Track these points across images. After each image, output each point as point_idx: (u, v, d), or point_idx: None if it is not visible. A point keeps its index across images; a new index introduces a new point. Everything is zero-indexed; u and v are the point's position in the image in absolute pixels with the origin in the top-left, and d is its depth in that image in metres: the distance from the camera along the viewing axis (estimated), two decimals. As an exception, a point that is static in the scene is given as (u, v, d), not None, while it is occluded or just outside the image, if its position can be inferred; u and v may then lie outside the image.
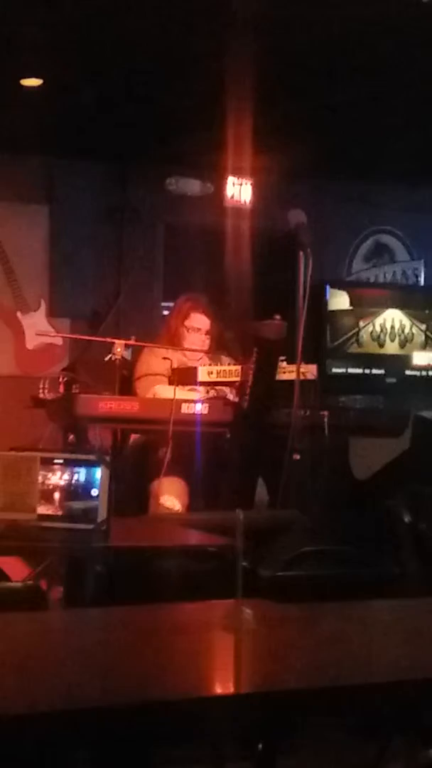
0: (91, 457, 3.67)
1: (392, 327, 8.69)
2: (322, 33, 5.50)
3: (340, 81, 6.20)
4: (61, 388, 5.27)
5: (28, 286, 8.02)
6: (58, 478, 3.56)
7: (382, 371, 8.55)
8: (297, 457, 4.83)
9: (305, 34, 5.50)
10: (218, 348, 5.82)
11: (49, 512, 3.54)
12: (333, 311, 8.48)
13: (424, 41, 5.54)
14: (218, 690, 2.01)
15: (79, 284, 8.04)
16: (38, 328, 7.85)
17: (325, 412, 5.45)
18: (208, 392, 5.35)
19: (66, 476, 3.56)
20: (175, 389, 5.21)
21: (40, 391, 5.41)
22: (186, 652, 2.23)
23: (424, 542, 4.20)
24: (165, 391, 5.37)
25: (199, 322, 5.79)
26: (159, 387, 5.42)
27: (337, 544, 3.77)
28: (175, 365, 5.48)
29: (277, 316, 5.10)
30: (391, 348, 8.68)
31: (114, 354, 5.26)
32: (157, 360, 5.59)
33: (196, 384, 5.26)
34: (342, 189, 8.57)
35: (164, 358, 5.54)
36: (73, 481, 3.56)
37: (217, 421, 5.18)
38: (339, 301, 8.51)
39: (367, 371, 8.52)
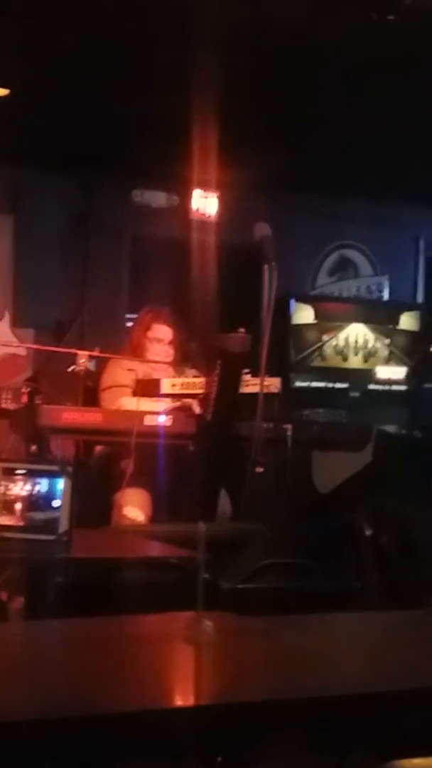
0: (54, 467, 3.66)
1: (356, 341, 8.75)
2: (289, 48, 5.53)
3: (306, 95, 6.24)
4: (24, 399, 5.25)
5: (-8, 296, 8.00)
6: (19, 488, 3.54)
7: (345, 385, 8.61)
8: (260, 469, 4.84)
9: (271, 49, 5.53)
10: (183, 359, 5.83)
11: (11, 523, 3.53)
12: (297, 325, 8.53)
13: (389, 58, 5.59)
14: (178, 702, 2.01)
15: (44, 295, 8.03)
16: (1, 338, 7.82)
17: (289, 425, 5.46)
18: (174, 404, 5.36)
19: (28, 487, 3.55)
20: (138, 401, 5.21)
21: (3, 401, 5.39)
22: (146, 663, 2.22)
23: (386, 556, 4.22)
24: (130, 402, 5.37)
25: (162, 332, 5.80)
26: (124, 399, 5.42)
27: (299, 557, 3.78)
28: (140, 376, 5.48)
29: (241, 329, 5.10)
30: (355, 362, 8.74)
31: (78, 365, 5.25)
32: (122, 371, 5.59)
33: (159, 396, 5.26)
34: (307, 203, 8.61)
35: (129, 370, 5.55)
36: (35, 492, 3.54)
37: (180, 433, 5.18)
38: (303, 314, 8.56)
39: (330, 385, 8.58)
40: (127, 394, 5.46)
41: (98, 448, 5.51)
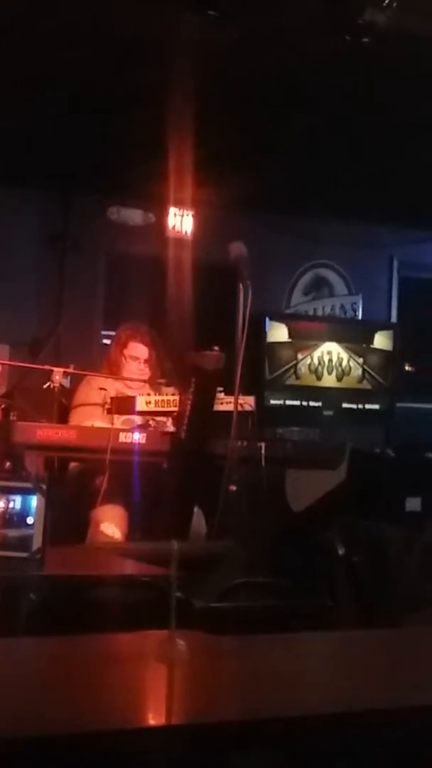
0: (27, 484, 3.65)
1: (330, 360, 8.77)
2: (264, 70, 5.56)
3: (282, 116, 6.27)
4: (-1, 415, 5.25)
5: (-33, 312, 7.97)
6: (-7, 505, 3.53)
7: (319, 404, 8.63)
8: (233, 488, 4.84)
9: (247, 70, 5.56)
10: (160, 376, 5.85)
11: (-16, 540, 3.51)
12: (272, 343, 8.55)
13: (360, 79, 5.62)
14: (150, 721, 2.00)
15: (20, 311, 8.01)
16: (-24, 354, 7.80)
17: (262, 444, 5.47)
18: (148, 422, 5.36)
19: (1, 504, 3.54)
20: (113, 418, 5.22)
21: (-23, 417, 5.37)
22: (118, 682, 2.22)
23: (358, 575, 4.23)
24: (96, 420, 5.41)
25: (138, 351, 5.82)
26: (91, 416, 5.45)
27: (272, 576, 3.79)
28: (112, 395, 5.49)
29: (216, 347, 5.12)
30: (329, 381, 8.76)
31: (53, 382, 5.25)
32: (93, 390, 5.61)
33: (134, 413, 5.26)
34: (282, 222, 8.64)
35: (101, 389, 5.57)
36: (9, 509, 3.54)
37: (154, 450, 5.18)
38: (278, 333, 8.58)
39: (304, 403, 8.59)
40: (96, 412, 5.48)
41: (72, 465, 5.51)
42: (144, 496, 5.15)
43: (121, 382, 5.75)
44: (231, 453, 4.91)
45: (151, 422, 5.34)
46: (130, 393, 5.59)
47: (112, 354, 5.90)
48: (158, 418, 5.34)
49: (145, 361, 5.82)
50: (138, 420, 5.32)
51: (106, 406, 5.42)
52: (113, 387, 5.66)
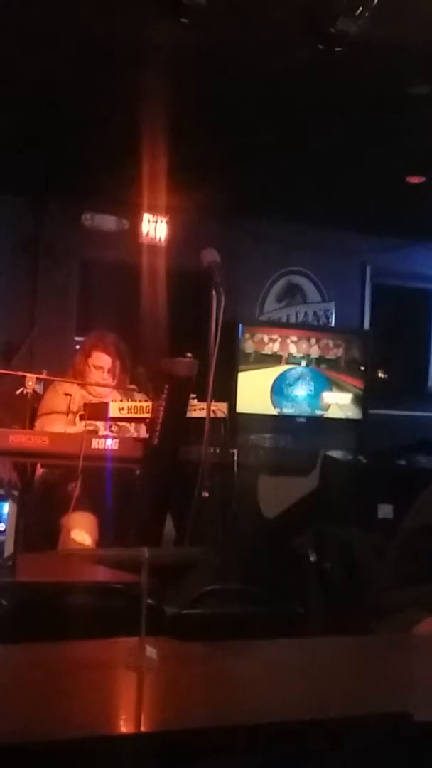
0: (-1, 491, 3.66)
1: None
2: (236, 78, 5.57)
3: (255, 124, 6.28)
4: (-30, 421, 5.24)
5: None
6: (-36, 512, 3.53)
7: (292, 410, 8.64)
8: (206, 494, 4.85)
9: (219, 77, 5.57)
10: (131, 382, 5.87)
11: None
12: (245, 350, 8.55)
13: (333, 88, 5.64)
14: (119, 728, 2.00)
15: (-8, 316, 8.01)
16: None
17: (235, 450, 5.48)
18: (110, 428, 5.36)
19: (-27, 510, 3.53)
20: (86, 425, 5.22)
21: None
22: (88, 689, 2.22)
23: (329, 581, 4.24)
24: (60, 427, 5.41)
25: (101, 360, 5.85)
26: (59, 425, 5.45)
27: (243, 583, 3.79)
28: (78, 401, 5.51)
29: (189, 354, 5.13)
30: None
31: (26, 387, 5.25)
32: (59, 396, 5.62)
33: (106, 419, 5.27)
34: (256, 229, 8.66)
35: (66, 395, 5.58)
36: (-20, 516, 3.53)
37: (127, 456, 5.18)
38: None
39: (277, 410, 8.60)
40: (60, 419, 5.49)
41: (39, 471, 5.50)
42: (117, 502, 5.15)
43: (85, 389, 5.77)
44: (204, 459, 4.92)
45: (113, 427, 5.34)
46: (94, 401, 5.60)
47: (77, 363, 5.95)
48: (121, 423, 5.35)
49: (108, 370, 5.85)
50: (102, 425, 5.33)
51: (71, 413, 5.44)
52: (79, 393, 5.68)
